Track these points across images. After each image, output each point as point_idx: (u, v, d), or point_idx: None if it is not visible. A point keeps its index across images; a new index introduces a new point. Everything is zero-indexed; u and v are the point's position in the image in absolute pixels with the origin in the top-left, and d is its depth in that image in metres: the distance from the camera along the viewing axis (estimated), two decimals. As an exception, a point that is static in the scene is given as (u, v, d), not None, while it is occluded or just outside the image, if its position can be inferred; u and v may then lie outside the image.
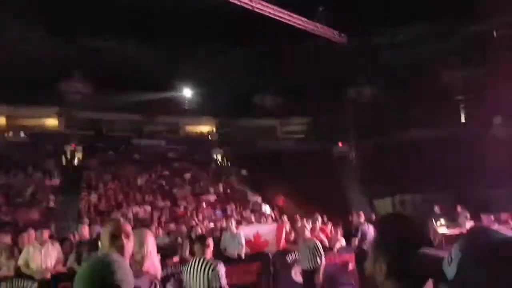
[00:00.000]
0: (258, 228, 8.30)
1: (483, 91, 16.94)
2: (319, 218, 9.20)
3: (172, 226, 9.75)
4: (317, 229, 8.25)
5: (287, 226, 9.07)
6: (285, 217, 10.67)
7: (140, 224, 10.76)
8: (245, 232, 7.71)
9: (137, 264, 4.12)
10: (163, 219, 12.07)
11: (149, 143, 23.90)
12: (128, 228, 2.13)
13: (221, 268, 3.79)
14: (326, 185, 17.63)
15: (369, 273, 1.20)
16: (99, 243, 2.22)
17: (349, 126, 22.23)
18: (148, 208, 14.15)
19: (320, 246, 6.29)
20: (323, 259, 6.15)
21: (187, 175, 19.29)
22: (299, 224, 9.26)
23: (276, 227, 8.55)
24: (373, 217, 14.98)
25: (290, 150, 23.15)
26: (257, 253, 7.31)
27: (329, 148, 22.96)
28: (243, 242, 7.30)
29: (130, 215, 13.21)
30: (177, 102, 25.20)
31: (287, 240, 8.40)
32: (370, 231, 7.75)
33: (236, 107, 23.46)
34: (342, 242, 7.97)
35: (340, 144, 23.26)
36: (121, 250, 1.99)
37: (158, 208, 14.23)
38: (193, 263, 3.86)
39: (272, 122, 26.76)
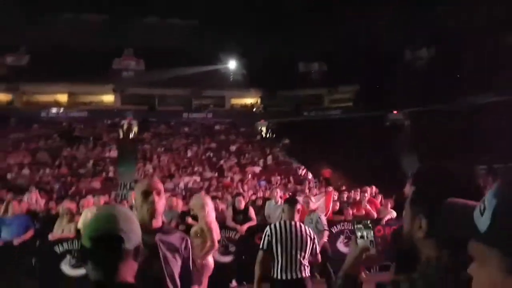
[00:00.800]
0: (306, 199, 8.29)
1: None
2: (368, 190, 9.00)
3: (219, 194, 10.07)
4: (365, 200, 8.12)
5: (335, 195, 8.99)
6: (330, 188, 10.57)
7: (191, 193, 11.26)
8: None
9: (201, 224, 4.38)
10: (211, 189, 12.49)
11: (197, 117, 24.57)
12: (160, 185, 2.13)
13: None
14: (376, 155, 17.11)
15: (407, 232, 1.08)
16: (133, 201, 2.31)
17: (403, 92, 21.12)
18: (198, 178, 14.69)
19: (322, 219, 6.15)
20: (325, 233, 6.03)
21: (233, 147, 19.66)
22: (345, 196, 9.20)
23: (324, 195, 8.43)
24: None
25: (338, 119, 22.70)
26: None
27: (380, 116, 22.15)
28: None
29: (182, 185, 13.83)
30: (223, 75, 25.48)
31: (333, 210, 8.30)
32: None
33: (281, 77, 23.19)
34: (393, 214, 7.76)
35: (394, 111, 22.33)
36: (152, 206, 2.03)
37: (206, 178, 14.72)
38: (283, 225, 3.50)
39: (318, 91, 26.16)
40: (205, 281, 4.39)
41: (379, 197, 9.42)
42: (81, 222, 5.97)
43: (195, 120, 24.30)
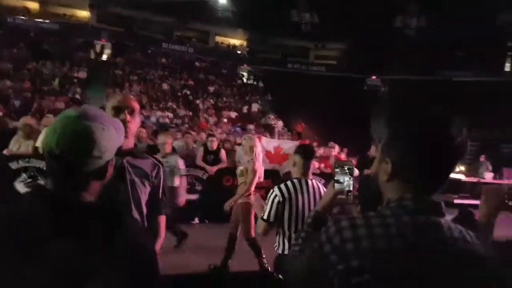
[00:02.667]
0: (279, 142, 8.23)
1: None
2: (336, 147, 9.18)
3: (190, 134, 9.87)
4: (332, 156, 8.25)
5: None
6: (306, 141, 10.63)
7: (161, 128, 10.95)
8: (266, 144, 7.68)
9: (248, 165, 4.25)
10: (183, 127, 12.22)
11: (178, 49, 23.47)
12: (134, 104, 1.89)
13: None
14: (351, 116, 17.25)
15: (373, 175, 1.09)
16: None
17: (387, 59, 21.02)
18: (170, 114, 14.32)
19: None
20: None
21: (211, 88, 19.19)
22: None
23: (297, 143, 8.42)
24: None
25: (320, 76, 22.45)
26: (268, 170, 7.36)
27: (361, 79, 22.08)
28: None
29: (153, 119, 13.44)
30: (211, 9, 24.11)
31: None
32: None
33: (271, 22, 22.25)
34: (355, 172, 7.94)
35: (373, 77, 22.27)
36: (123, 124, 1.82)
37: (180, 116, 14.38)
38: (297, 185, 2.65)
39: (306, 44, 25.50)
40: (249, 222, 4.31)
41: (344, 154, 9.78)
42: (40, 140, 5.58)
43: (175, 53, 23.24)
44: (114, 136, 1.02)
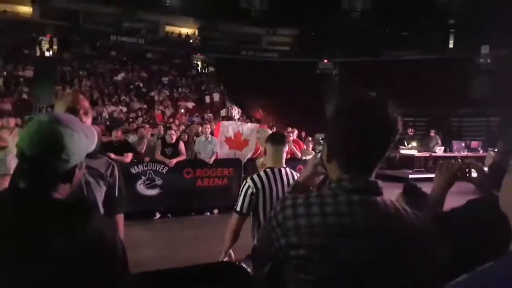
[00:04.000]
0: (240, 126, 8.21)
1: (474, 18, 16.31)
2: (295, 131, 9.32)
3: (147, 127, 9.65)
4: (290, 141, 8.35)
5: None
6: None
7: (115, 124, 10.62)
8: (226, 129, 7.64)
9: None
10: (138, 121, 11.91)
11: (127, 41, 22.66)
12: (86, 103, 1.90)
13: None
14: (307, 100, 17.57)
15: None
16: None
17: (337, 42, 21.48)
18: (124, 108, 13.91)
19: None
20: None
21: (166, 79, 18.79)
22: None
23: (257, 126, 8.39)
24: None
25: (274, 62, 22.57)
26: (230, 159, 7.38)
27: (314, 63, 22.43)
28: (217, 148, 7.31)
29: (105, 114, 13.00)
30: (159, -1, 23.41)
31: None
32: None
33: (222, 10, 21.98)
34: (312, 154, 8.12)
35: (325, 60, 22.69)
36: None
37: (134, 109, 14.01)
38: (270, 175, 2.56)
39: (258, 31, 25.47)
40: None
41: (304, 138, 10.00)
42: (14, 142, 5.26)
43: (125, 45, 22.43)
44: (83, 141, 1.09)
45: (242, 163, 7.36)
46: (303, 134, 11.17)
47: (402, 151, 12.67)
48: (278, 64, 22.15)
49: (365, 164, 1.04)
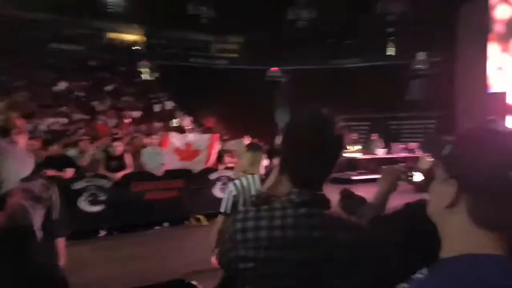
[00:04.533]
0: (189, 137, 8.07)
1: (410, 26, 17.37)
2: (245, 140, 9.35)
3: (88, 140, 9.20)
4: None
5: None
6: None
7: (54, 137, 10.02)
8: (176, 140, 7.49)
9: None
10: (79, 133, 11.34)
11: (67, 48, 21.56)
12: (20, 123, 1.85)
13: None
14: (258, 108, 17.73)
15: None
16: None
17: (285, 50, 21.92)
18: (64, 120, 13.21)
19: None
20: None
21: (109, 88, 18.12)
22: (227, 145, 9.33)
23: (209, 136, 8.25)
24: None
25: (224, 69, 22.58)
26: (180, 170, 7.25)
27: (264, 71, 22.71)
28: (165, 160, 7.15)
29: (43, 127, 12.27)
30: (101, 4, 22.56)
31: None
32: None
33: (168, 16, 21.61)
34: (264, 162, 8.17)
35: (274, 68, 23.05)
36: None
37: (75, 121, 13.35)
38: (251, 181, 2.89)
39: (206, 37, 25.33)
40: None
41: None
42: None
43: (65, 53, 21.30)
44: (16, 167, 1.06)
45: (193, 174, 7.25)
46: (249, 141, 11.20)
47: (345, 154, 13.20)
48: (228, 71, 22.18)
49: (314, 178, 1.08)
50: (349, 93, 17.28)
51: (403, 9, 17.96)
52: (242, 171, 4.37)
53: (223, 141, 10.44)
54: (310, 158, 1.06)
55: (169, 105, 18.38)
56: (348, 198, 2.04)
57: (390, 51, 21.30)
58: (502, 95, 13.01)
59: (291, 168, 1.09)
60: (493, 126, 0.76)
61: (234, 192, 2.85)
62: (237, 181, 2.94)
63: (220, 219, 2.90)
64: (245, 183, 2.89)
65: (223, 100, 17.53)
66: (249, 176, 2.94)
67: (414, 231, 1.28)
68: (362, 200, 1.93)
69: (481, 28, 13.96)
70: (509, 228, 0.69)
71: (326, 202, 1.08)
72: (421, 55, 17.96)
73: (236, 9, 20.84)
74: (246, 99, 18.07)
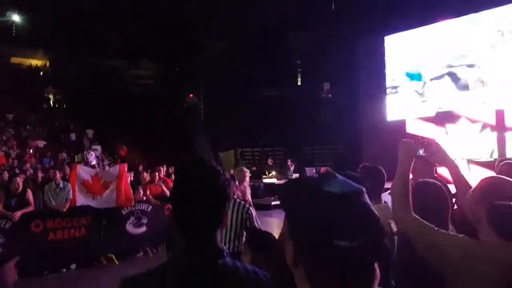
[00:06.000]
0: (98, 169, 7.62)
1: (316, 58, 18.73)
2: (161, 169, 9.16)
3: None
4: (156, 179, 8.20)
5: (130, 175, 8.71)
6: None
7: None
8: (82, 172, 7.01)
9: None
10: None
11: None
12: None
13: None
14: (174, 136, 17.50)
15: None
16: None
17: (201, 77, 22.09)
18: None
19: None
20: None
21: (10, 116, 16.63)
22: (142, 176, 9.01)
23: (118, 167, 7.71)
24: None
25: (139, 96, 22.02)
26: (87, 206, 6.82)
27: (180, 98, 22.62)
28: (71, 195, 6.70)
29: None
30: (3, 28, 20.84)
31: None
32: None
33: (77, 40, 20.62)
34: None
35: (191, 95, 23.11)
36: None
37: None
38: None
39: (119, 63, 24.52)
40: None
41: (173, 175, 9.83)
42: None
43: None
44: None
45: (103, 209, 6.88)
46: (171, 170, 10.96)
47: (264, 180, 13.65)
48: (143, 98, 21.63)
49: (204, 231, 1.10)
50: (264, 120, 17.99)
51: (311, 42, 19.28)
52: None
53: (138, 171, 10.11)
54: (196, 210, 1.08)
55: (78, 133, 17.35)
56: (256, 238, 2.18)
57: (299, 81, 22.61)
58: (402, 123, 14.47)
59: (181, 221, 1.10)
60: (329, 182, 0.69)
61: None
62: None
63: None
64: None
65: (138, 128, 17.05)
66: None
67: None
68: (269, 234, 2.06)
69: (380, 60, 15.63)
70: None
71: (220, 252, 1.09)
72: (326, 85, 19.35)
73: (152, 35, 20.66)
74: (163, 126, 17.81)
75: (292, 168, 14.09)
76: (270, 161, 14.61)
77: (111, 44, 22.47)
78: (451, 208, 2.14)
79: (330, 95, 19.23)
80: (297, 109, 17.87)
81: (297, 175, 13.91)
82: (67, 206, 6.52)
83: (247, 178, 5.02)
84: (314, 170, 14.57)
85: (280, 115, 18.02)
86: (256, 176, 13.39)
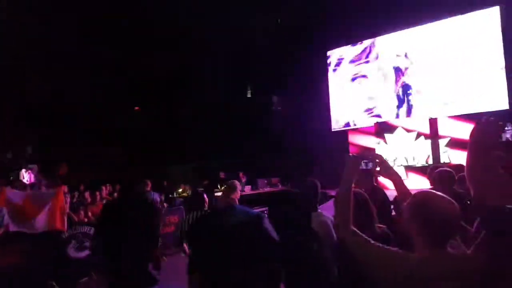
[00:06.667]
0: (29, 191, 7.04)
1: (265, 70, 18.92)
2: (104, 189, 8.83)
3: None
4: (97, 200, 7.85)
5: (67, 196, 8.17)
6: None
7: None
8: (13, 196, 6.42)
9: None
10: None
11: None
12: None
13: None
14: (118, 154, 16.88)
15: None
16: None
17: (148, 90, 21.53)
18: None
19: None
20: None
21: None
22: (83, 196, 8.58)
23: (54, 190, 7.14)
24: (165, 184, 15.32)
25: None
26: (22, 233, 6.27)
27: (124, 111, 21.86)
28: (6, 220, 6.15)
29: None
30: None
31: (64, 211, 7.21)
32: (156, 198, 7.79)
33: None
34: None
35: (136, 108, 22.43)
36: None
37: None
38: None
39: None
40: None
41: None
42: None
43: None
44: None
45: (38, 234, 6.34)
46: (117, 188, 10.60)
47: (216, 194, 13.45)
48: (80, 113, 20.56)
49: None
50: (216, 134, 17.86)
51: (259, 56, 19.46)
52: None
53: (81, 191, 9.58)
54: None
55: (8, 153, 16.08)
56: None
57: (249, 93, 22.73)
58: (345, 133, 15.03)
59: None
60: None
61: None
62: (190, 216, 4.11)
63: None
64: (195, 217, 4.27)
65: (78, 145, 16.23)
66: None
67: None
68: None
69: (324, 71, 16.17)
70: None
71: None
72: (275, 98, 19.65)
73: (89, 49, 19.76)
74: (105, 143, 17.12)
75: (244, 180, 14.03)
76: (222, 175, 14.46)
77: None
78: (389, 214, 2.31)
79: (278, 106, 19.53)
80: (251, 120, 17.98)
81: (249, 187, 13.90)
82: (1, 231, 5.97)
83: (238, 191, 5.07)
84: (266, 181, 14.63)
85: (233, 128, 18.01)
86: (209, 190, 13.18)
